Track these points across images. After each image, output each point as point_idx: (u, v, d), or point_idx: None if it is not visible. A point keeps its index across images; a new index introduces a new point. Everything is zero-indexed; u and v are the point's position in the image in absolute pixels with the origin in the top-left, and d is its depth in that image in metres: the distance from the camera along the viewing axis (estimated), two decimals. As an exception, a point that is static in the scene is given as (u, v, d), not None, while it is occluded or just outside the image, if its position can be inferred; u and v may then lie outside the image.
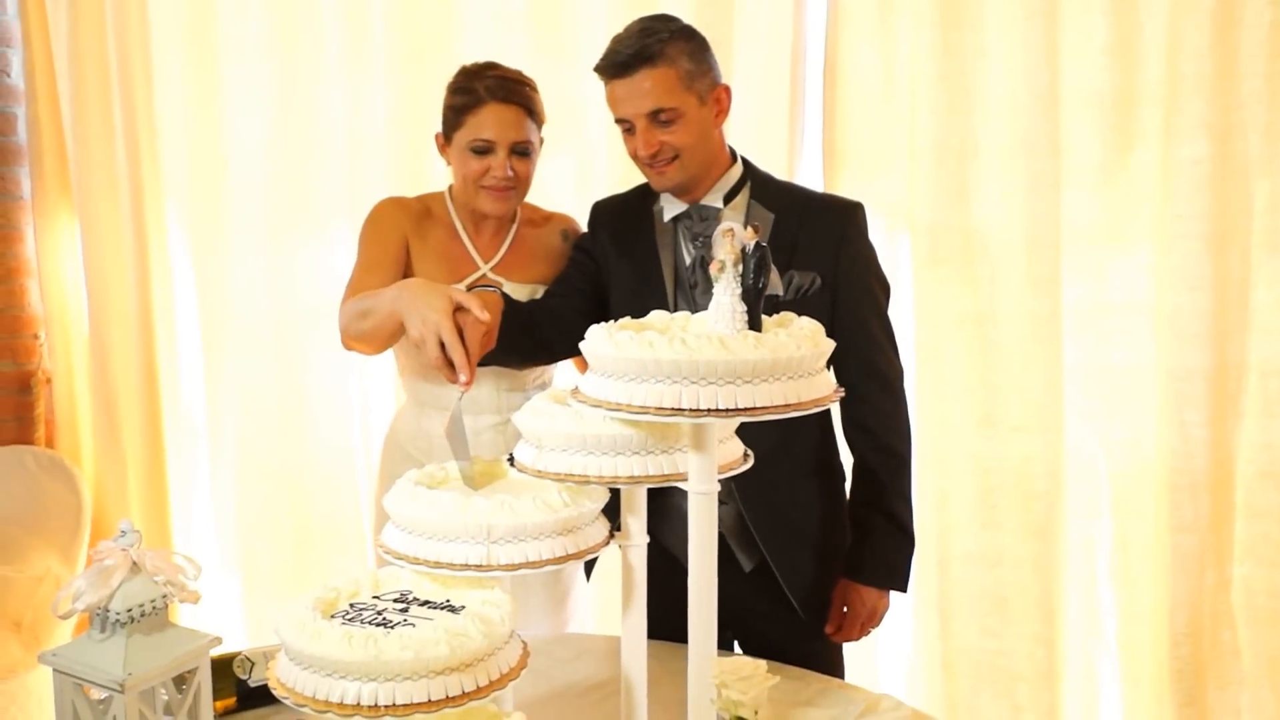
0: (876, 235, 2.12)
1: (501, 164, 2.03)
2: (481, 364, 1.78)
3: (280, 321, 3.12)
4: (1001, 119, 2.70)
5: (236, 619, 3.16)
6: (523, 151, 2.06)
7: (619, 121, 1.95)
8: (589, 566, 2.23)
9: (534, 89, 2.10)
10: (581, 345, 1.38)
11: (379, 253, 2.09)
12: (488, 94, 2.03)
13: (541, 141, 2.14)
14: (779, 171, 2.61)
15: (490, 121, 2.03)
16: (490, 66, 2.10)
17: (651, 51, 1.87)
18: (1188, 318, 2.64)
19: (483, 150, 2.04)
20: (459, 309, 1.67)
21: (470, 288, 2.07)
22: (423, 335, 1.66)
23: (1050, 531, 2.76)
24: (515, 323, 1.90)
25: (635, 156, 1.97)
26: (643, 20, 1.94)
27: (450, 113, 2.08)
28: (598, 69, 1.94)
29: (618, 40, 1.92)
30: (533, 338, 1.96)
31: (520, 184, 2.08)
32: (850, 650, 2.16)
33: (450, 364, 1.65)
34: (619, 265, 2.06)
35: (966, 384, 2.78)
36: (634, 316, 1.48)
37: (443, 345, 1.64)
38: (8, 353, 3.26)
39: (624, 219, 2.09)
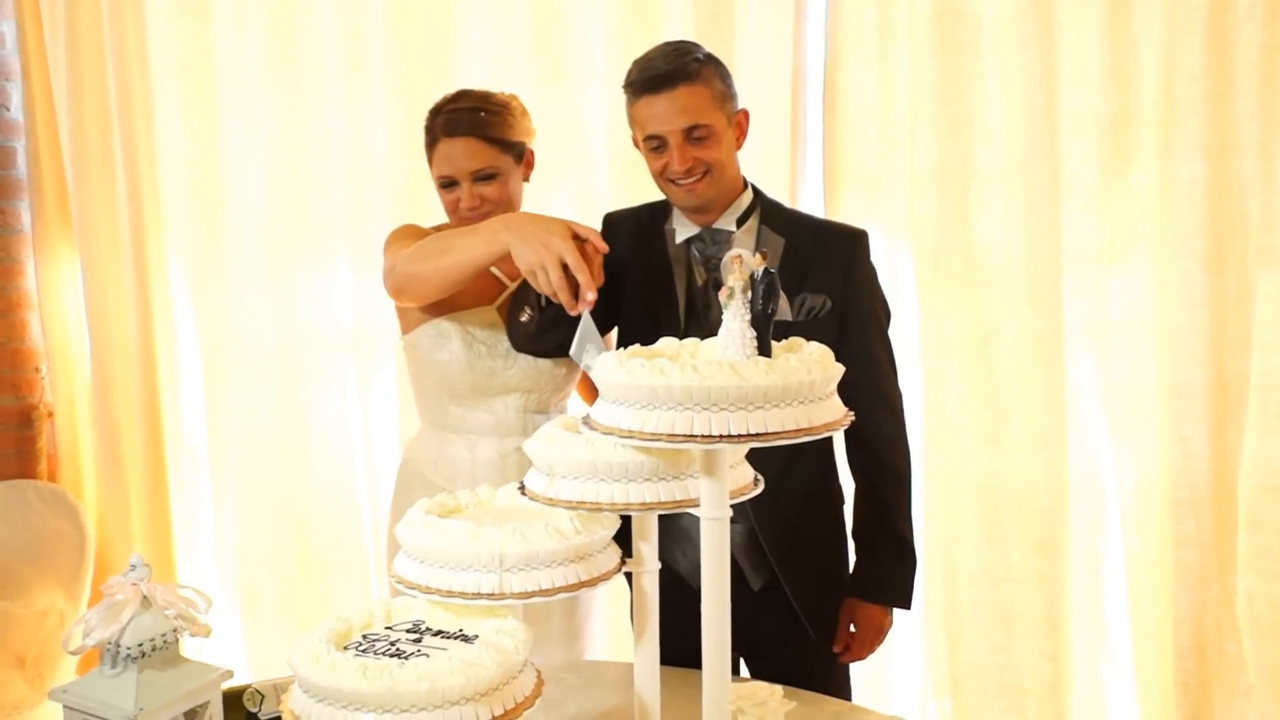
0: (878, 257, 2.14)
1: (468, 195, 2.05)
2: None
3: (281, 353, 3.11)
4: (1000, 142, 2.73)
5: (240, 650, 3.14)
6: (486, 177, 2.06)
7: (650, 138, 1.95)
8: None
9: (492, 112, 2.06)
10: (592, 373, 1.39)
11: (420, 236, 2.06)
12: (440, 131, 2.07)
13: (524, 156, 2.11)
14: (782, 196, 2.64)
15: (445, 158, 2.06)
16: (454, 98, 2.10)
17: (690, 70, 1.91)
18: (1187, 335, 2.67)
19: (448, 184, 2.08)
20: (575, 238, 1.72)
21: (513, 296, 2.07)
22: (541, 259, 1.70)
23: (1055, 547, 2.77)
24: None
25: (662, 174, 1.97)
26: (672, 43, 1.98)
27: (426, 150, 2.12)
28: (629, 85, 1.95)
29: (649, 59, 1.94)
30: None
31: (499, 205, 2.07)
32: (861, 668, 2.16)
33: (568, 287, 1.68)
34: (633, 277, 2.05)
35: (970, 403, 2.80)
36: (646, 334, 1.49)
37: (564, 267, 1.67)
38: (9, 387, 3.25)
39: (638, 233, 2.09)
